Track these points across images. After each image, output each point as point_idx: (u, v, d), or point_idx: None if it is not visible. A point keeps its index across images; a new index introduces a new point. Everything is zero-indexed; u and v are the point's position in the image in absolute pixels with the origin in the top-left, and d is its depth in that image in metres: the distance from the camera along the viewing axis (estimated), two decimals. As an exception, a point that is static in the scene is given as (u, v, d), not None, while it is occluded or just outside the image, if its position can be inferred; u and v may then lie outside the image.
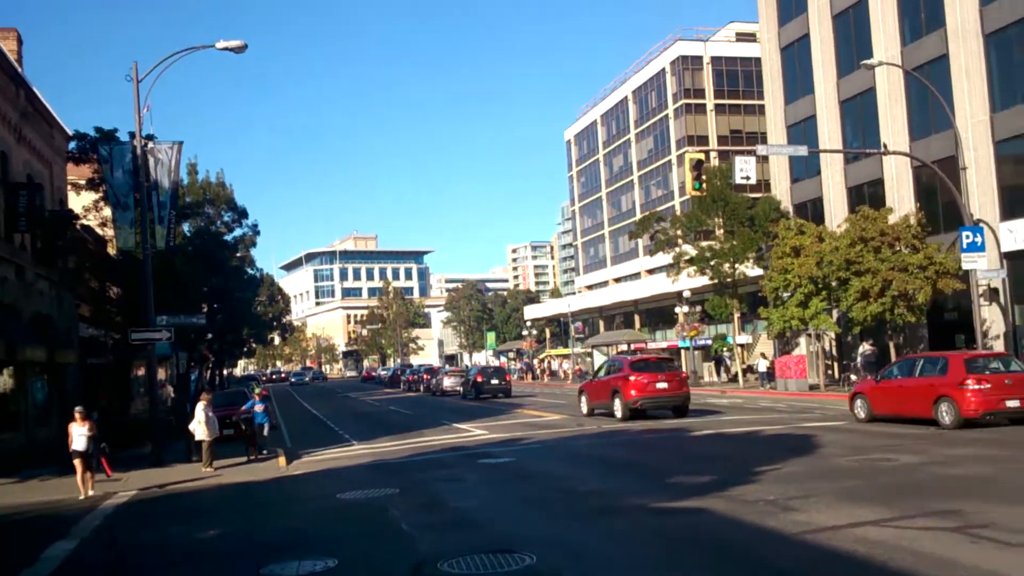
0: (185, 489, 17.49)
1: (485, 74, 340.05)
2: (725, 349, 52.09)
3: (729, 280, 44.65)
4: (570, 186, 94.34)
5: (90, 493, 16.68)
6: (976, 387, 19.64)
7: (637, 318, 71.34)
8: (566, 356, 78.56)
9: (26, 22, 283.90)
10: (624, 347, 65.59)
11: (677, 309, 54.36)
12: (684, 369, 40.37)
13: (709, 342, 55.40)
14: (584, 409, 29.84)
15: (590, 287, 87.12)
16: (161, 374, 40.85)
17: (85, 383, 33.80)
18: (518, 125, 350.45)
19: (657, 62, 73.78)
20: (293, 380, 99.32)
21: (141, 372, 43.02)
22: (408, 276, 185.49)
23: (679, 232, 47.65)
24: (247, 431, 22.77)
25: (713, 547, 9.61)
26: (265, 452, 22.55)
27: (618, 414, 26.79)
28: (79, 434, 17.02)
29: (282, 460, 20.90)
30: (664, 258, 53.14)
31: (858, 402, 23.10)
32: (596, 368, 36.99)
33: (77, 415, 17.46)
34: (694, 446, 19.81)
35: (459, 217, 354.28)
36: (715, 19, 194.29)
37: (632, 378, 26.52)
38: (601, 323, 78.38)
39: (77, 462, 16.84)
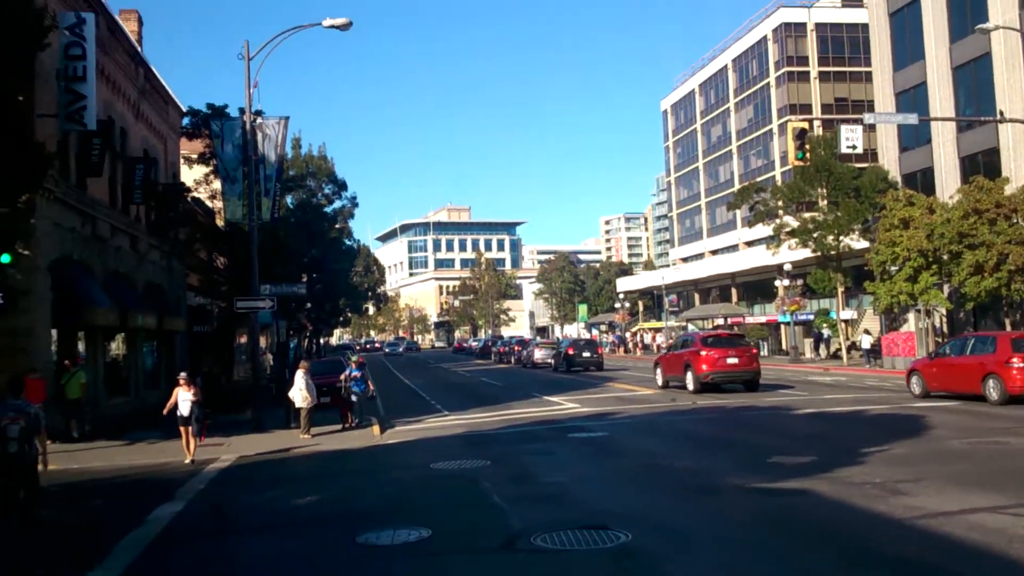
0: (284, 455, 18.00)
1: (578, 45, 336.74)
2: (827, 325, 50.58)
3: (833, 253, 43.19)
4: (666, 157, 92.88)
5: (192, 458, 17.10)
6: (1021, 365, 20.56)
7: (734, 291, 69.95)
8: (659, 329, 77.74)
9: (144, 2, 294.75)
10: (720, 321, 64.46)
11: (777, 283, 53.02)
12: (785, 344, 39.51)
13: (811, 317, 53.89)
14: (659, 381, 30.87)
15: (685, 259, 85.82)
16: (262, 342, 42.17)
17: (191, 350, 35.18)
18: (612, 95, 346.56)
19: (758, 30, 71.63)
20: (387, 350, 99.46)
21: (243, 340, 44.61)
22: (500, 247, 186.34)
23: (780, 203, 46.32)
24: (347, 398, 22.72)
25: (818, 531, 9.29)
26: (357, 421, 22.54)
27: (690, 387, 27.75)
28: (184, 399, 17.23)
29: (376, 429, 21.30)
30: (764, 230, 51.86)
31: (913, 379, 24.39)
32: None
33: (182, 381, 17.76)
34: (796, 425, 19.26)
35: (552, 188, 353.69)
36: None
37: (703, 353, 27.60)
38: (696, 296, 77.20)
39: (182, 428, 17.23)
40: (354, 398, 22.62)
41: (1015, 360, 20.64)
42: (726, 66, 77.59)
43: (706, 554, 8.70)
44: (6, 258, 17.60)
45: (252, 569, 9.27)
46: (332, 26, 23.36)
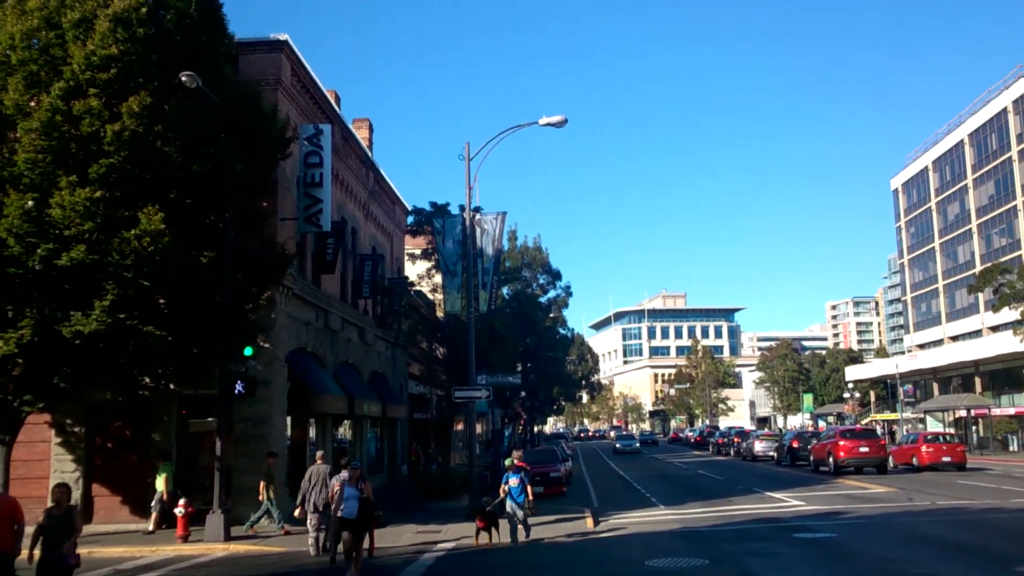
0: (499, 544, 18.00)
1: (799, 123, 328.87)
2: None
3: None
4: (898, 237, 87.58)
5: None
6: None
7: (978, 380, 63.84)
8: (894, 421, 71.99)
9: (374, 108, 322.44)
10: (963, 413, 58.84)
11: (1028, 371, 47.84)
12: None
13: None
14: (811, 464, 38.24)
15: (921, 346, 79.66)
16: (478, 430, 43.14)
17: (412, 436, 36.57)
18: (836, 175, 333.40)
19: (997, 102, 66.93)
20: (618, 445, 69.87)
21: (460, 427, 45.83)
22: (718, 334, 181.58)
23: (1028, 284, 42.13)
24: (492, 511, 17.82)
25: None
26: (523, 541, 17.81)
27: (831, 468, 34.81)
28: (350, 496, 14.31)
29: (589, 520, 20.96)
30: (1011, 314, 47.24)
31: None
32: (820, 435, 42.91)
33: (349, 471, 15.18)
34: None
35: (773, 273, 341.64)
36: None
37: (841, 443, 34.66)
38: (935, 386, 71.11)
39: (345, 532, 14.15)
40: (512, 508, 17.69)
41: None
42: (962, 141, 72.80)
43: None
44: (248, 351, 19.24)
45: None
46: (548, 124, 23.94)
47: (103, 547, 18.79)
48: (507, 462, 19.13)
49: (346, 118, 29.93)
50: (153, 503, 20.78)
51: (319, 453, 17.91)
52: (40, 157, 15.32)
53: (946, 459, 35.38)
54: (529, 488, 17.97)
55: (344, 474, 15.96)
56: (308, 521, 17.34)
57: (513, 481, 17.75)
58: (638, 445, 72.58)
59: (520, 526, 17.77)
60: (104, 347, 16.02)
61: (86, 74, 15.56)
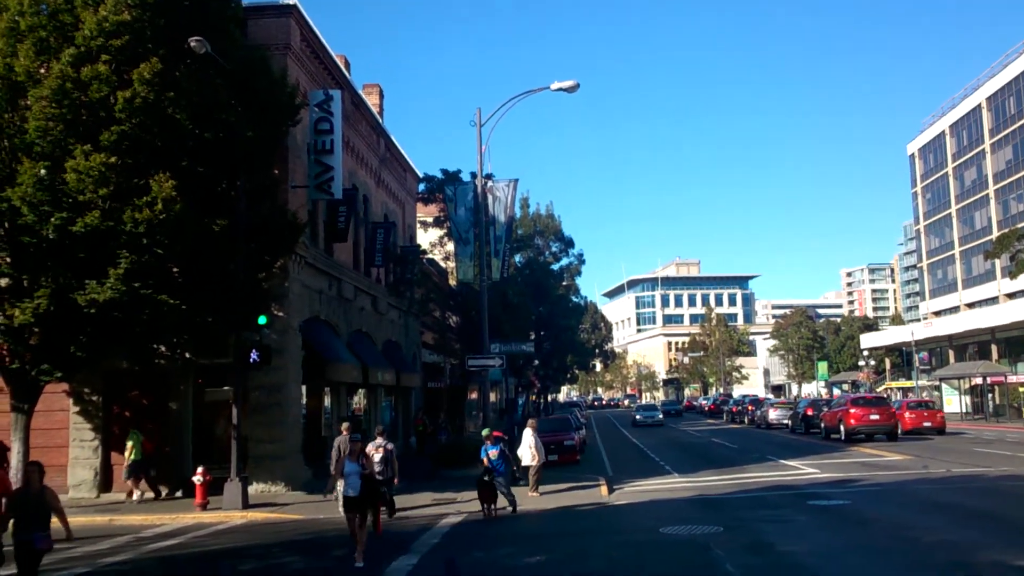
0: (513, 512, 18.04)
1: (814, 90, 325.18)
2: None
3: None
4: (914, 203, 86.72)
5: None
6: None
7: (994, 348, 63.40)
8: (910, 389, 71.78)
9: (385, 74, 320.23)
10: (979, 380, 58.53)
11: (1046, 338, 47.47)
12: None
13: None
14: (822, 431, 38.37)
15: (937, 313, 79.15)
16: (491, 398, 43.23)
17: (426, 405, 36.67)
18: (852, 141, 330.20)
19: (1015, 65, 65.77)
20: (639, 418, 58.96)
21: (474, 395, 45.96)
22: (732, 302, 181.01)
23: (1047, 251, 41.70)
24: (489, 481, 17.37)
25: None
26: (511, 509, 17.65)
27: (842, 436, 35.04)
28: (351, 472, 13.53)
29: (604, 489, 20.99)
30: (1028, 280, 46.80)
31: None
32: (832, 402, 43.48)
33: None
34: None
35: (788, 240, 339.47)
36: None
37: (852, 411, 34.89)
38: (951, 353, 70.72)
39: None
40: (497, 482, 17.45)
41: None
42: (980, 105, 71.71)
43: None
44: (263, 319, 19.26)
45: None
46: (560, 89, 23.61)
47: (123, 515, 18.99)
48: (484, 432, 18.57)
49: (356, 84, 29.70)
50: (125, 473, 21.07)
51: (345, 425, 17.94)
52: (51, 125, 15.26)
53: (927, 424, 38.38)
54: (508, 460, 17.85)
55: (379, 440, 16.59)
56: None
57: (493, 454, 17.44)
58: (661, 417, 59.83)
59: (505, 497, 17.53)
60: (119, 316, 16.06)
61: (97, 40, 15.44)
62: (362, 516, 12.89)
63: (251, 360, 19.10)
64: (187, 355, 19.98)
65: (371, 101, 32.57)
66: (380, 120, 32.79)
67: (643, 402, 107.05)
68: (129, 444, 20.83)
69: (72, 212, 15.28)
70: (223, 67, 17.31)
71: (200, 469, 19.46)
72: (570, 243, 51.42)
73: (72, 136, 15.39)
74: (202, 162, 17.15)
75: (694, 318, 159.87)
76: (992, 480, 20.30)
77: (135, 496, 20.96)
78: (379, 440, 17.02)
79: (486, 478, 17.22)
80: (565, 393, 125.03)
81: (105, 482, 22.02)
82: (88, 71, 15.23)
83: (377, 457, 16.31)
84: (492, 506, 17.31)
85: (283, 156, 21.43)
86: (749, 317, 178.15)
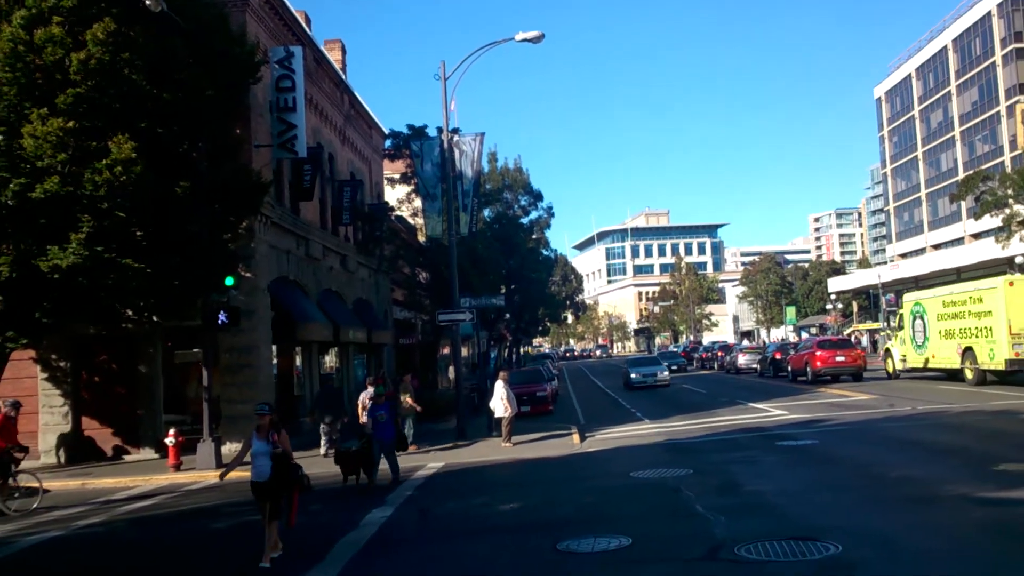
0: (486, 463, 18.32)
1: (779, 35, 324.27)
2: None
3: (1073, 242, 38.88)
4: (880, 147, 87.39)
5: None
6: None
7: (959, 288, 64.50)
8: (877, 331, 73.04)
9: (347, 31, 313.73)
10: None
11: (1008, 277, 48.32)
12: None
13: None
14: (789, 374, 39.09)
15: (904, 256, 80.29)
16: (464, 352, 43.45)
17: (398, 361, 36.77)
18: (818, 86, 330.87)
19: (981, 6, 66.07)
20: (634, 377, 41.00)
21: (446, 351, 46.14)
22: (701, 251, 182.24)
23: (1010, 191, 42.32)
24: (345, 451, 15.98)
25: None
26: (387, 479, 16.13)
27: (809, 378, 35.47)
28: (259, 452, 12.64)
29: (576, 437, 21.30)
30: (992, 221, 47.53)
31: None
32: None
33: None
34: (1032, 432, 17.37)
35: (756, 188, 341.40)
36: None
37: (818, 353, 35.60)
38: (916, 295, 71.92)
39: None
40: (377, 449, 15.87)
41: None
42: (946, 47, 72.07)
43: (921, 566, 8.10)
44: (230, 280, 19.14)
45: (458, 573, 9.51)
46: (525, 40, 23.34)
47: (96, 479, 19.00)
48: (375, 391, 17.75)
49: (318, 40, 29.20)
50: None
51: (369, 379, 18.28)
52: (6, 89, 14.90)
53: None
54: (398, 423, 16.82)
55: (370, 390, 17.21)
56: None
57: (381, 415, 15.98)
58: (667, 375, 42.10)
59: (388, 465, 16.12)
60: (83, 281, 15.88)
61: (48, 1, 15.04)
62: (274, 506, 10.33)
63: (219, 322, 19.03)
64: (154, 318, 19.82)
65: (333, 57, 32.06)
66: (343, 76, 32.32)
67: (634, 354, 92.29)
68: None
69: (31, 178, 15.00)
70: (180, 25, 16.93)
71: (172, 431, 19.50)
72: (539, 196, 51.22)
73: (28, 100, 15.05)
74: (161, 123, 16.84)
75: (664, 268, 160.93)
76: (956, 415, 20.79)
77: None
78: (370, 390, 17.29)
79: (355, 448, 15.64)
80: (537, 345, 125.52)
81: (79, 445, 21.98)
82: (41, 33, 14.85)
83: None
84: (355, 478, 15.81)
85: (245, 115, 21.12)
86: (719, 265, 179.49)
